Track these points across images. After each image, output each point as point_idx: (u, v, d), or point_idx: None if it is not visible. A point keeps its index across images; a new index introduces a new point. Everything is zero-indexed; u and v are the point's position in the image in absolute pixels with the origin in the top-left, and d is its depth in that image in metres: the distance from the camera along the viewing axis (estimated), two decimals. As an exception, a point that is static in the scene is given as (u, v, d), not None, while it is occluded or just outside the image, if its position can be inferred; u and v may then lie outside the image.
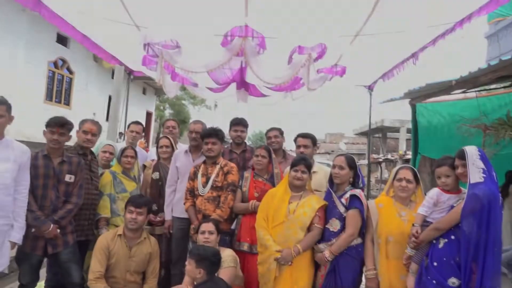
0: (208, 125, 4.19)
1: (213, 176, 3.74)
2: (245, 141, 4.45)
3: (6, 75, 9.98)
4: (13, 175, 2.94)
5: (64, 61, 12.83)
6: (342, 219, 3.13)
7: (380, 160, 18.42)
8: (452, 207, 2.79)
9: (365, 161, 14.60)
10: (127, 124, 5.32)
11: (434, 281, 2.66)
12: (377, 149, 25.03)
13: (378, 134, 22.19)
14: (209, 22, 4.12)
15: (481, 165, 2.65)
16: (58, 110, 11.74)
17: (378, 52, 4.86)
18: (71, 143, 3.62)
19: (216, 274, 2.99)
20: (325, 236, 3.18)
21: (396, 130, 19.87)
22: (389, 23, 3.97)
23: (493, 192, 2.57)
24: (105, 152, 4.15)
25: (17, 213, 3.00)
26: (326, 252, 3.07)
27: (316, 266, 3.24)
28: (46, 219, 3.16)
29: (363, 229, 3.13)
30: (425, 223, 2.87)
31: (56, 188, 3.28)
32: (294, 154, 4.24)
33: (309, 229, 3.19)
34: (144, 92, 19.16)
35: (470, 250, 2.55)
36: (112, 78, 10.26)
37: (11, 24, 10.15)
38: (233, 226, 3.82)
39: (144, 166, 4.48)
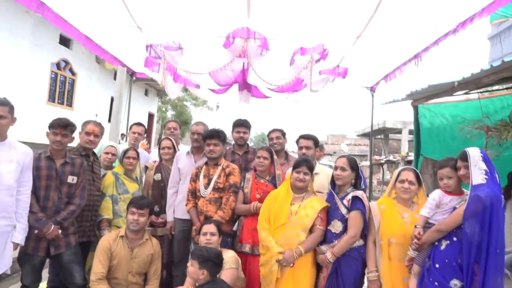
0: (210, 127, 4.19)
1: (215, 178, 3.74)
2: (248, 142, 4.45)
3: (9, 76, 10.03)
4: (16, 176, 2.96)
5: (66, 62, 12.89)
6: (344, 221, 3.12)
7: (382, 161, 18.40)
8: (454, 208, 2.78)
9: (367, 163, 14.59)
10: (129, 125, 5.33)
11: (436, 283, 2.65)
12: (379, 150, 25.01)
13: (380, 136, 22.17)
14: (211, 24, 4.12)
15: (484, 166, 2.65)
16: (60, 111, 11.79)
17: (380, 53, 4.84)
18: (73, 144, 3.63)
19: (217, 276, 2.99)
20: (327, 238, 3.17)
21: (398, 131, 19.85)
22: (391, 24, 3.96)
23: (496, 194, 2.56)
24: (107, 153, 4.15)
25: (19, 214, 3.01)
26: (328, 253, 3.06)
27: (318, 267, 3.24)
28: (49, 220, 3.17)
29: (365, 231, 3.13)
30: (427, 225, 2.86)
31: (59, 189, 3.29)
32: (296, 156, 4.24)
33: (311, 230, 3.19)
34: (146, 94, 19.23)
35: (472, 252, 2.54)
36: (115, 79, 10.32)
37: (15, 26, 10.21)
38: (235, 228, 3.81)
39: (146, 168, 4.49)
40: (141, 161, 4.35)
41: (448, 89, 5.30)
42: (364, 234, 3.13)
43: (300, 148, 3.93)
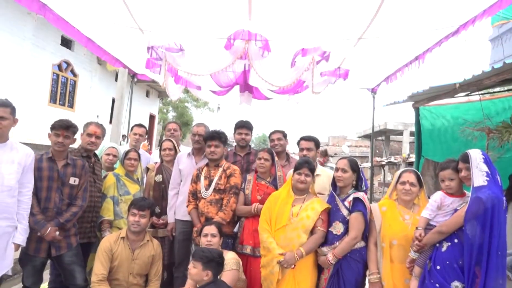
0: (211, 128, 4.20)
1: (215, 179, 3.74)
2: (249, 144, 4.45)
3: (11, 77, 10.05)
4: (17, 178, 2.96)
5: (68, 63, 12.91)
6: (345, 222, 3.12)
7: (383, 163, 18.36)
8: (455, 210, 2.78)
9: (368, 164, 14.56)
10: (130, 126, 5.33)
11: (437, 285, 2.65)
12: (380, 152, 24.97)
13: (381, 137, 22.14)
14: (212, 25, 4.13)
15: (485, 168, 2.64)
16: (62, 113, 11.82)
17: (381, 55, 4.84)
18: (74, 145, 3.64)
19: (218, 277, 2.99)
20: (328, 239, 3.17)
21: (400, 133, 19.82)
22: (392, 26, 3.96)
23: (497, 196, 2.56)
24: (108, 154, 4.16)
25: (21, 215, 3.01)
26: (330, 255, 3.06)
27: (319, 269, 3.23)
28: (51, 221, 3.17)
29: (366, 232, 3.12)
30: (428, 227, 2.86)
31: (60, 190, 3.29)
32: (297, 157, 4.24)
33: (312, 232, 3.18)
34: (147, 95, 19.24)
35: (474, 253, 2.54)
36: (116, 80, 10.34)
37: (16, 27, 10.24)
38: (235, 229, 3.82)
39: (147, 169, 4.50)
40: (142, 163, 4.35)
41: (449, 91, 5.30)
42: (365, 236, 3.12)
43: (301, 149, 3.93)
